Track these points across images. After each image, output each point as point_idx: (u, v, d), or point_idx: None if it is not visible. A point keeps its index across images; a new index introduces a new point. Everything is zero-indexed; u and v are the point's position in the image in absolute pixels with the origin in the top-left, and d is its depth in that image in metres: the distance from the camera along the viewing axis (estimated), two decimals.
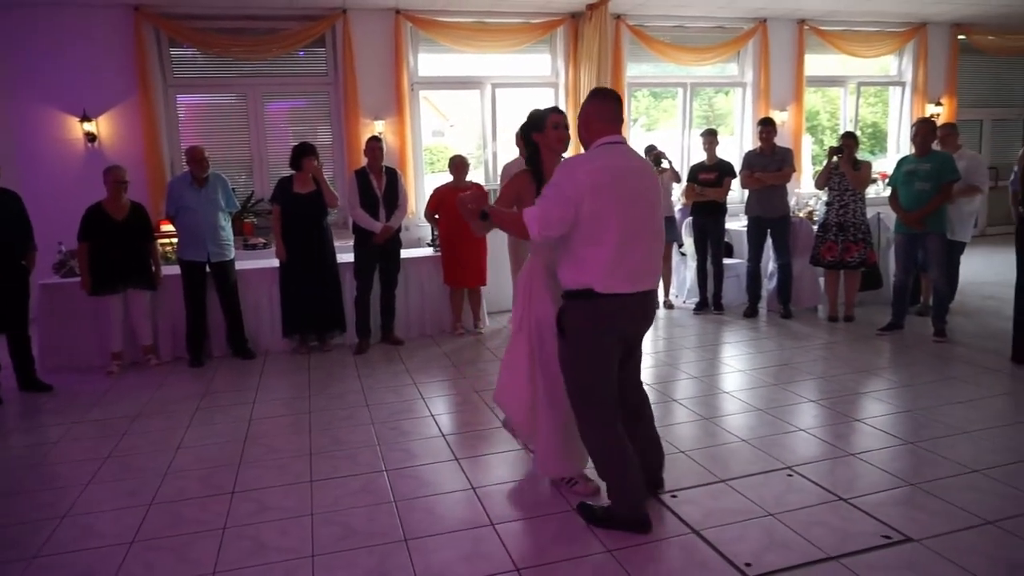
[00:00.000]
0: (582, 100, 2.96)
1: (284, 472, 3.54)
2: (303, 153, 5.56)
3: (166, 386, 5.10)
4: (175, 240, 5.95)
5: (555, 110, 3.20)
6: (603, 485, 3.02)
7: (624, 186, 2.68)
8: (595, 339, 2.75)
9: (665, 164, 6.67)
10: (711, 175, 6.53)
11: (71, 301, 5.49)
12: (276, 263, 5.72)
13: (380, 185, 5.80)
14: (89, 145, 7.43)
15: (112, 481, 3.52)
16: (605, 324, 2.73)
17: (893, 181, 5.66)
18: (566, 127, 3.16)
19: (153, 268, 5.50)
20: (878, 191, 9.13)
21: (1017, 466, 3.29)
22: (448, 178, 6.19)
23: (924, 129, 5.46)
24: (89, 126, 7.38)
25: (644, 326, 2.94)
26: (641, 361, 3.12)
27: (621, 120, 2.85)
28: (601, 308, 2.70)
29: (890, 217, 6.01)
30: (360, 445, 3.85)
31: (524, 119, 3.37)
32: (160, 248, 5.92)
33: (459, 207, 2.94)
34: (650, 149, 6.77)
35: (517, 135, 6.35)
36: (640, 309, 2.80)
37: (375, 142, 5.83)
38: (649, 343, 5.69)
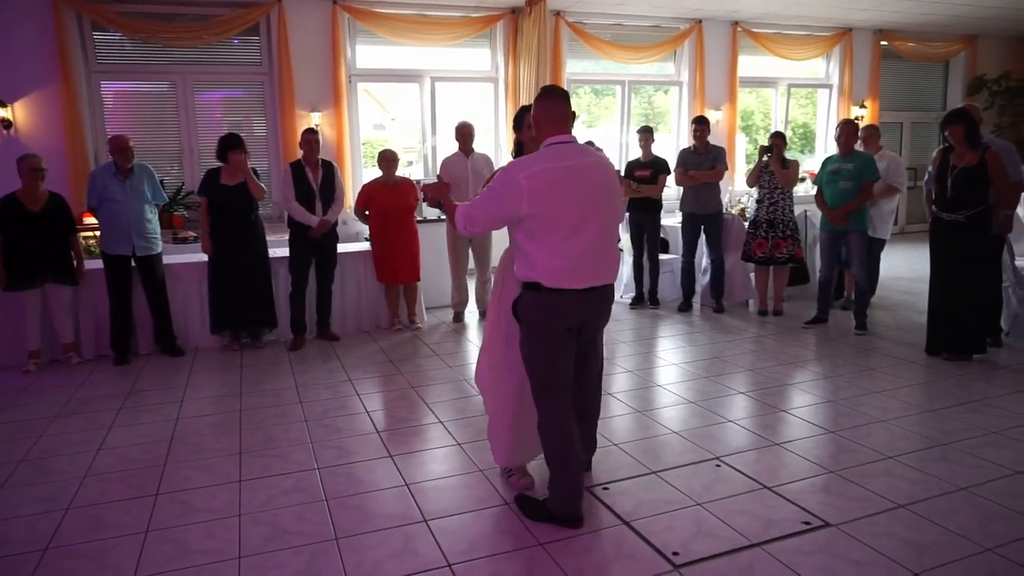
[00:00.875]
0: (521, 96, 3.00)
1: (212, 472, 3.45)
2: (229, 146, 5.40)
3: (88, 385, 4.89)
4: (99, 233, 5.70)
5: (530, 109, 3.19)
6: (539, 479, 3.05)
7: (568, 186, 2.69)
8: (543, 330, 2.78)
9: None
10: (646, 172, 6.64)
11: None
12: (205, 257, 5.55)
13: (316, 178, 5.69)
14: (4, 132, 7.04)
15: (26, 486, 3.36)
16: (551, 317, 2.76)
17: (818, 180, 5.88)
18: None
19: (74, 262, 5.26)
20: (807, 189, 9.45)
21: (928, 451, 3.47)
22: (378, 173, 6.11)
23: (847, 130, 5.69)
24: (4, 112, 7.00)
25: (594, 321, 2.92)
26: (601, 368, 3.16)
27: (570, 118, 2.84)
28: (548, 301, 2.74)
29: (816, 214, 6.24)
30: (293, 443, 3.78)
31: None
32: (83, 241, 5.67)
33: (426, 192, 3.04)
34: (588, 145, 6.83)
35: (456, 130, 6.36)
36: (587, 304, 2.79)
37: (310, 134, 5.71)
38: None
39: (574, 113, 2.88)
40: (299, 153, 5.80)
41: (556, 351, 2.80)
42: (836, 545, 2.68)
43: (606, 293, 2.88)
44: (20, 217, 5.00)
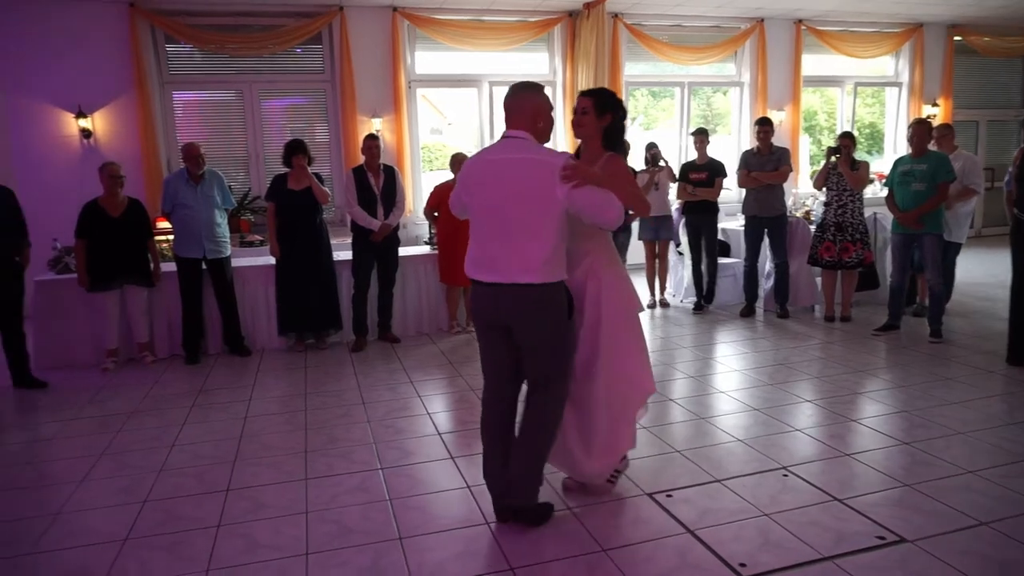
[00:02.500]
0: (516, 83, 2.91)
1: (279, 470, 3.53)
2: (293, 151, 5.55)
3: (161, 383, 5.09)
4: (171, 237, 5.93)
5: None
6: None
7: (488, 178, 2.76)
8: (472, 317, 2.94)
9: (662, 163, 6.67)
10: (702, 175, 6.54)
11: (66, 298, 5.47)
12: (273, 260, 5.71)
13: (378, 183, 5.79)
14: (85, 141, 7.41)
15: (106, 478, 3.51)
16: (471, 304, 2.92)
17: (889, 182, 5.67)
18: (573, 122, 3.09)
19: (151, 265, 5.48)
20: (875, 191, 9.14)
21: (1011, 467, 3.30)
22: (448, 176, 6.17)
23: (920, 130, 5.47)
24: (85, 122, 7.36)
25: (513, 322, 2.75)
26: (539, 381, 2.85)
27: (527, 113, 2.75)
28: (472, 291, 2.89)
29: (887, 217, 6.02)
30: (356, 443, 3.85)
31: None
32: (157, 245, 5.90)
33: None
34: (650, 147, 6.77)
35: None
36: (495, 300, 2.75)
37: (372, 140, 5.82)
38: (647, 342, 5.69)
39: (550, 106, 2.85)
40: (361, 158, 5.91)
41: (480, 339, 2.95)
42: (912, 562, 2.57)
43: (519, 293, 2.68)
44: (102, 223, 5.24)
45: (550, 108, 2.86)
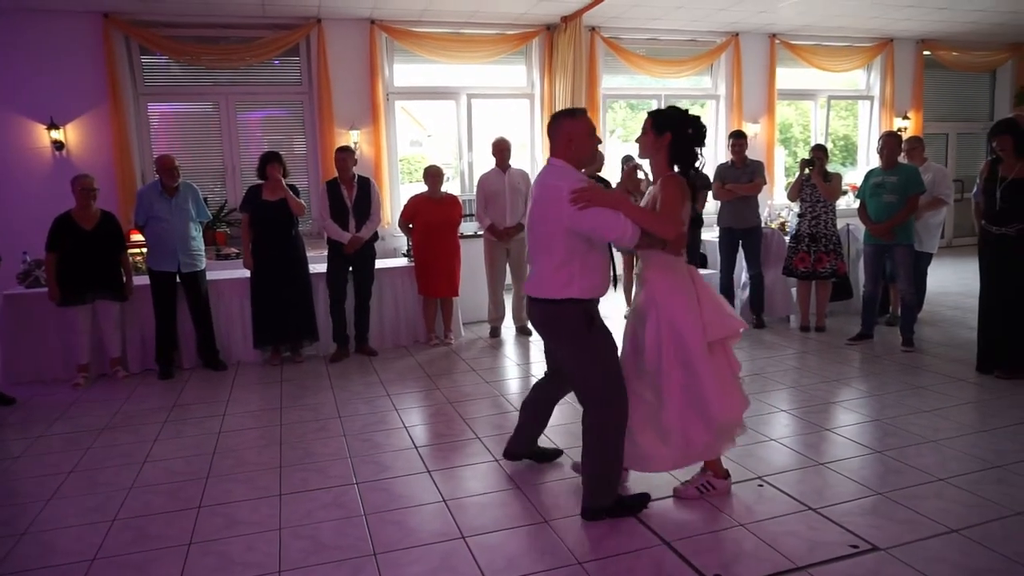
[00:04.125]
0: (556, 111, 3.03)
1: (253, 486, 3.49)
2: (267, 160, 5.53)
3: (134, 398, 5.01)
4: (145, 250, 5.86)
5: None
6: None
7: (531, 203, 3.04)
8: None
9: (641, 175, 6.69)
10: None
11: (36, 312, 5.38)
12: (248, 273, 5.66)
13: (351, 195, 5.77)
14: (57, 153, 7.31)
15: (75, 496, 3.44)
16: None
17: (861, 193, 5.76)
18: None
19: (124, 278, 5.41)
20: (849, 203, 9.28)
21: (982, 474, 3.35)
22: (423, 188, 6.17)
23: (890, 142, 5.57)
24: (57, 134, 7.26)
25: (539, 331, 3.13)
26: (582, 402, 3.03)
27: (559, 141, 2.96)
28: None
29: (860, 228, 6.11)
30: (332, 457, 3.81)
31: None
32: (131, 258, 5.83)
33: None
34: (627, 159, 6.81)
35: (493, 146, 6.38)
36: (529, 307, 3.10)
37: (342, 152, 5.80)
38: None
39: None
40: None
41: None
42: (885, 570, 2.59)
43: (533, 305, 3.03)
44: (74, 236, 5.16)
45: (585, 131, 2.95)
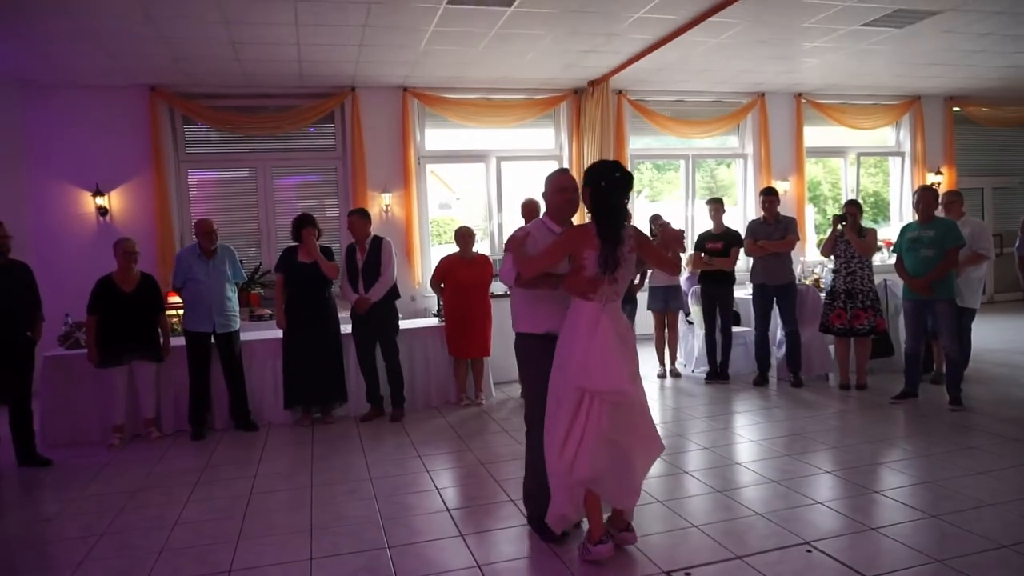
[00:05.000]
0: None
1: (283, 549, 3.42)
2: (301, 224, 5.63)
3: (167, 460, 5.01)
4: (181, 311, 5.96)
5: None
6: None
7: None
8: None
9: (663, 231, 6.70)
10: (718, 244, 6.55)
11: (75, 373, 5.45)
12: (281, 334, 5.70)
13: (362, 257, 5.80)
14: (101, 219, 7.56)
15: (106, 559, 3.41)
16: None
17: (897, 248, 5.66)
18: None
19: (161, 339, 5.48)
20: (883, 259, 9.14)
21: None
22: (454, 249, 6.22)
23: (927, 196, 5.50)
24: (101, 200, 7.53)
25: None
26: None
27: (545, 198, 3.46)
28: None
29: (897, 284, 5.99)
30: (362, 521, 3.73)
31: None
32: (168, 319, 5.92)
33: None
34: (655, 219, 6.81)
35: (523, 207, 6.45)
36: None
37: (351, 216, 5.85)
38: (658, 413, 5.60)
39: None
40: None
41: None
42: None
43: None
44: (114, 298, 5.27)
45: (553, 187, 3.35)
